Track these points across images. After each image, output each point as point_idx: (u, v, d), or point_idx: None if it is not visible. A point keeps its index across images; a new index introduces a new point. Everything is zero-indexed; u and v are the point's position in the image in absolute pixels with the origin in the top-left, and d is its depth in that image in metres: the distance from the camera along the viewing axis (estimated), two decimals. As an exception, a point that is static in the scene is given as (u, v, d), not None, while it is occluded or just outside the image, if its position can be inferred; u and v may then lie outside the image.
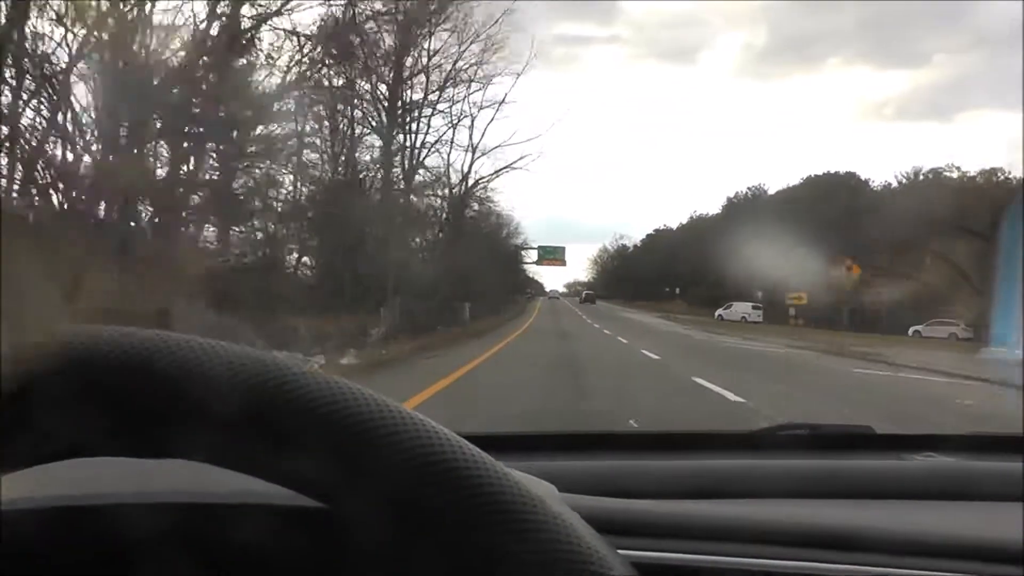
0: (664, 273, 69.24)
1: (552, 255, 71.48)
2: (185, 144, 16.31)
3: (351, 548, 0.45)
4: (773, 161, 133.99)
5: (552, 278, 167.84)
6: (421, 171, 29.49)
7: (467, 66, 28.71)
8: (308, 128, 22.39)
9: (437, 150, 30.21)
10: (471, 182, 34.09)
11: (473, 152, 32.69)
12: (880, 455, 1.26)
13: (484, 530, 0.39)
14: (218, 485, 0.61)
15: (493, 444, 0.46)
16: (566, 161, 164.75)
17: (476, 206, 36.47)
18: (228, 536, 0.59)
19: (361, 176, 25.47)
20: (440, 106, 29.10)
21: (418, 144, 28.60)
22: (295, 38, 18.78)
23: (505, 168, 33.42)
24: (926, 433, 1.35)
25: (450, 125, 30.26)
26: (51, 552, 0.58)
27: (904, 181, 54.75)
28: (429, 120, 28.84)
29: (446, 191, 32.61)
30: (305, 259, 23.69)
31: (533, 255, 70.27)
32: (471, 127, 33.05)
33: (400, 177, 27.96)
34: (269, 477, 0.41)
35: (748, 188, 69.07)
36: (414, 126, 28.24)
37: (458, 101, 29.90)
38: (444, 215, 32.73)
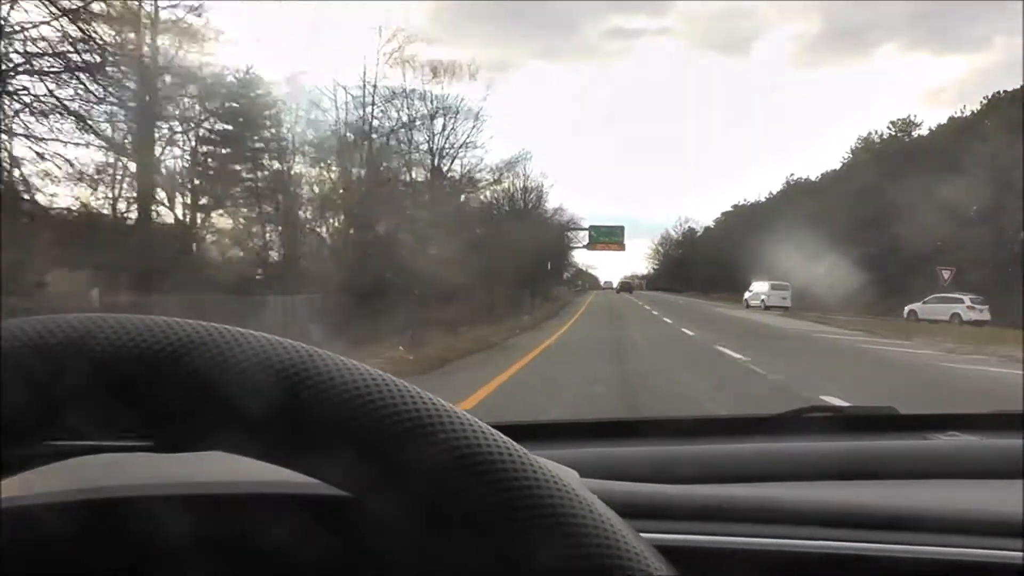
0: (748, 256, 51.63)
1: (607, 237, 58.17)
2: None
3: (381, 538, 0.46)
4: (829, 149, 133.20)
5: (608, 269, 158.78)
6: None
7: None
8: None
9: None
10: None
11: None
12: (904, 435, 1.26)
13: (515, 519, 0.38)
14: (244, 475, 0.61)
15: (517, 433, 0.48)
16: (618, 157, 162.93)
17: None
18: (257, 526, 0.59)
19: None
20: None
21: None
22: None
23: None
24: (950, 413, 1.35)
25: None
26: (81, 545, 0.59)
27: None
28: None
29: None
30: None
31: (584, 239, 57.78)
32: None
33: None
34: (300, 468, 0.40)
35: (890, 125, 50.82)
36: None
37: None
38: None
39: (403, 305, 16.03)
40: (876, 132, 51.63)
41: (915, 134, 47.08)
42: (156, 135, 18.51)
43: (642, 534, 0.42)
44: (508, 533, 0.38)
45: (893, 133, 49.12)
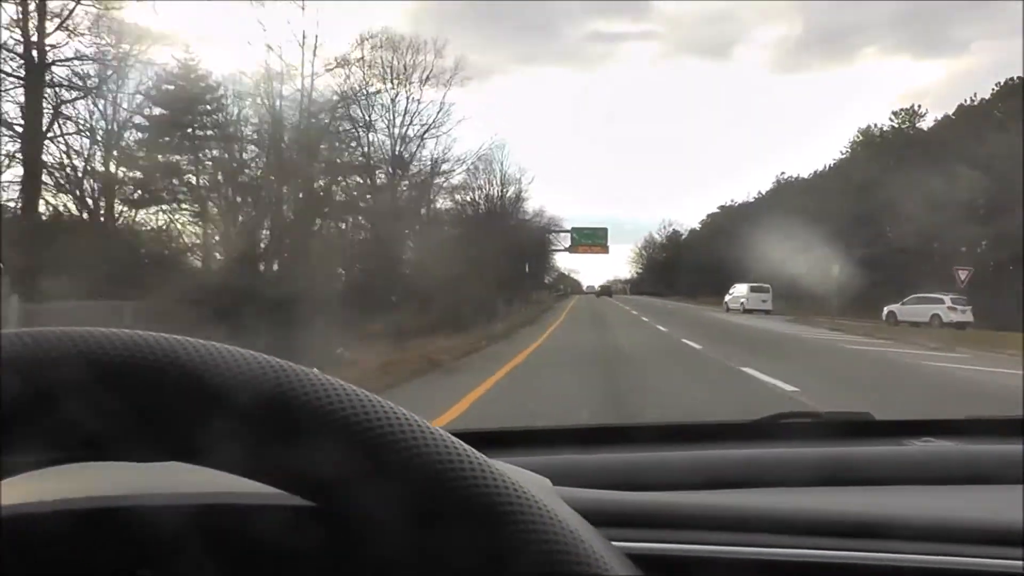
0: (737, 258, 49.09)
1: (590, 239, 56.50)
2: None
3: (347, 546, 0.48)
4: (814, 153, 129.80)
5: (591, 273, 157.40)
6: None
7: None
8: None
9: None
10: None
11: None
12: (880, 441, 1.26)
13: (472, 527, 0.39)
14: (226, 486, 0.61)
15: (491, 440, 0.50)
16: (602, 159, 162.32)
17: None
18: (238, 535, 0.60)
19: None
20: None
21: None
22: None
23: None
24: (925, 418, 1.35)
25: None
26: (72, 551, 0.59)
27: None
28: None
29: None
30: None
31: (567, 241, 55.61)
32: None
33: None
34: (266, 480, 0.42)
35: (892, 116, 49.00)
36: None
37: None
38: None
39: (346, 314, 13.17)
40: (876, 125, 49.31)
41: (919, 125, 44.60)
42: (46, 105, 15.48)
43: (614, 543, 0.42)
44: (472, 543, 0.38)
45: (896, 124, 46.70)
